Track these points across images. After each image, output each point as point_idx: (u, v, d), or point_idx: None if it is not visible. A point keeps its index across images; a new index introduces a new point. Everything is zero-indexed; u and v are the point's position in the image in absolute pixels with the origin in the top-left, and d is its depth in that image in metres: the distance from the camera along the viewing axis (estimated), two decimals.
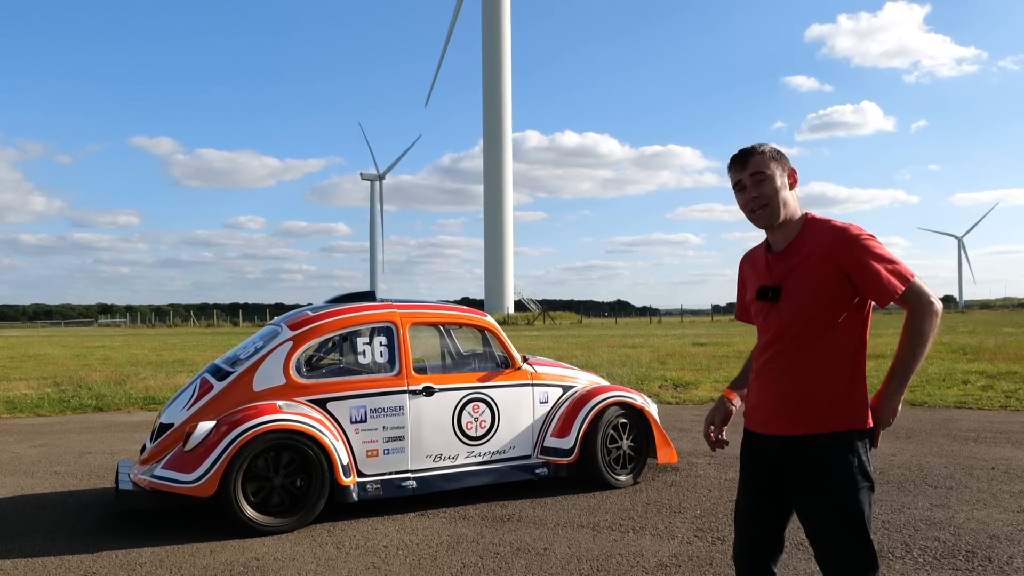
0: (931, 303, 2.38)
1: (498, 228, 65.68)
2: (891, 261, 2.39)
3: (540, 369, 6.41)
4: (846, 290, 2.42)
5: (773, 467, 2.56)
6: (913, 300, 2.39)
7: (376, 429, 5.58)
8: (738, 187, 2.53)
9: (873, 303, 2.46)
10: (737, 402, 2.76)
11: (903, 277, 2.38)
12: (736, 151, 2.54)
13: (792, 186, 2.54)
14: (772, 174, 2.48)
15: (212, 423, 5.19)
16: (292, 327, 5.68)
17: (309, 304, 6.57)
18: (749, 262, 2.72)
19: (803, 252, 2.48)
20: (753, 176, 2.49)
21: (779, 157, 2.52)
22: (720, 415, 2.74)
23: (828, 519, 2.41)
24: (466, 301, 60.12)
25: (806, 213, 2.57)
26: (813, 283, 2.43)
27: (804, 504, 2.47)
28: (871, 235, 2.42)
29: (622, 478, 6.23)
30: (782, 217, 2.50)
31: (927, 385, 12.59)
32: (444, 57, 78.68)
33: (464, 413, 5.91)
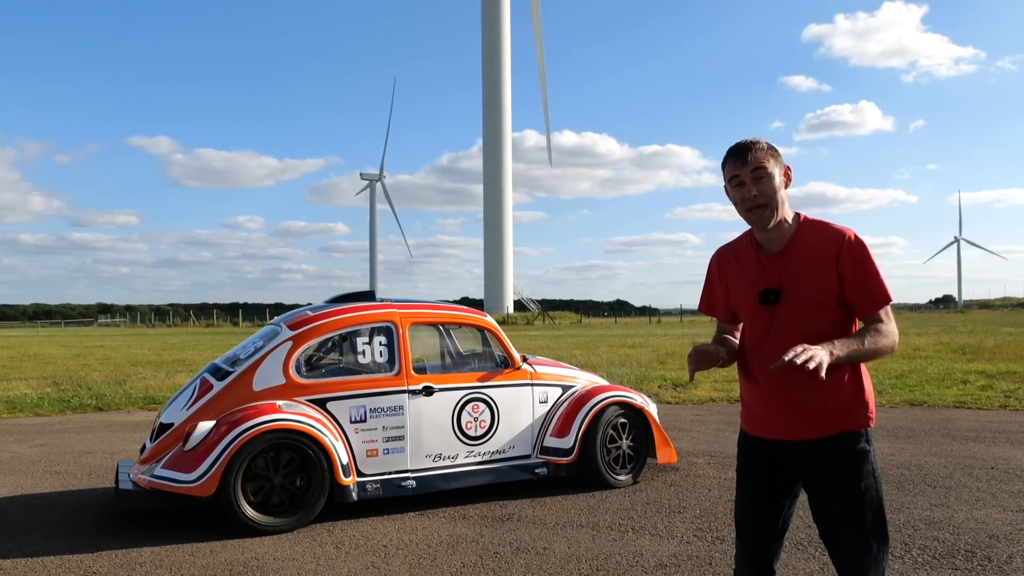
0: (895, 341, 2.43)
1: (498, 228, 65.63)
2: (881, 276, 2.44)
3: (540, 369, 6.41)
4: (843, 293, 2.44)
5: (783, 468, 2.56)
6: (886, 319, 2.43)
7: (376, 429, 5.59)
8: (734, 182, 2.46)
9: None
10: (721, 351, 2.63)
11: (887, 295, 2.43)
12: (734, 144, 2.47)
13: (787, 184, 2.50)
14: (772, 171, 2.43)
15: (212, 423, 5.19)
16: (292, 327, 5.68)
17: (309, 304, 6.57)
18: (734, 258, 2.63)
19: (803, 254, 2.45)
20: (754, 173, 2.42)
21: (776, 154, 2.47)
22: (708, 360, 2.56)
23: (858, 508, 2.45)
24: (466, 301, 60.12)
25: (798, 214, 2.53)
26: (816, 285, 2.43)
27: (832, 499, 2.48)
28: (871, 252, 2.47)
29: (622, 478, 6.23)
30: (779, 217, 2.46)
31: (926, 385, 12.60)
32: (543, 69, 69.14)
33: (464, 413, 5.91)
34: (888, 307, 2.44)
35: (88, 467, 7.34)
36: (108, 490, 6.30)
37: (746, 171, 2.43)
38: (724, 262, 2.69)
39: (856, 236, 2.43)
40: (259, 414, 5.15)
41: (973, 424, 8.98)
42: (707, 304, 2.80)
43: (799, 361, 2.19)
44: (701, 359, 2.53)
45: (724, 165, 2.49)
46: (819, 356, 2.22)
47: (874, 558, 2.44)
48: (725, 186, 2.52)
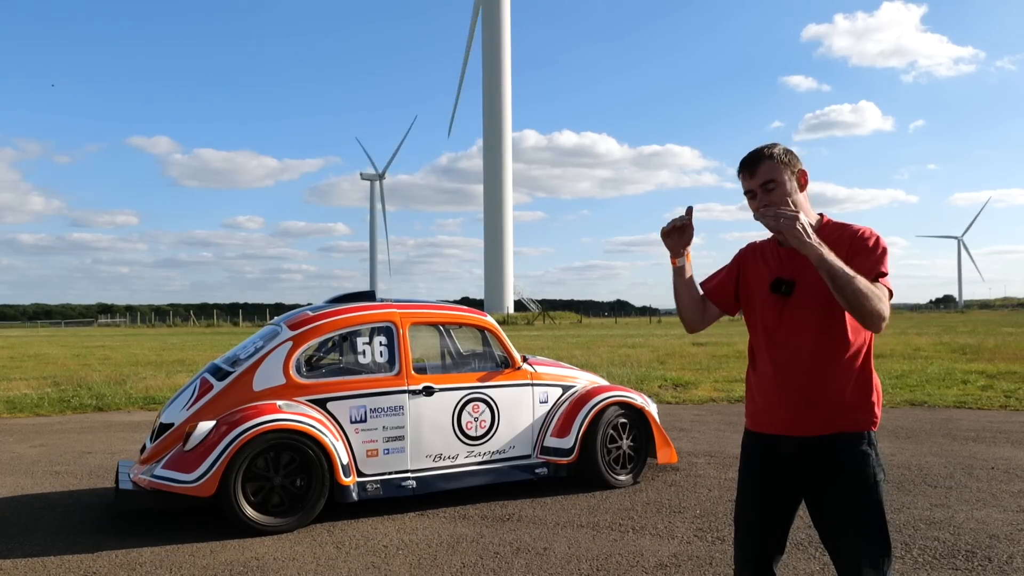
0: (886, 311, 2.35)
1: (498, 228, 65.68)
2: (885, 261, 2.42)
3: (540, 369, 6.41)
4: None
5: (785, 468, 2.55)
6: (880, 289, 2.37)
7: (376, 429, 5.58)
8: (749, 195, 2.54)
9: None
10: (685, 262, 2.69)
11: (883, 271, 2.39)
12: (746, 155, 2.54)
13: (803, 187, 2.54)
14: (782, 181, 2.48)
15: (212, 423, 5.19)
16: (292, 327, 5.68)
17: (309, 304, 6.57)
18: (757, 252, 2.69)
19: None
20: (763, 186, 2.49)
21: (788, 160, 2.52)
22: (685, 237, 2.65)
23: (854, 511, 2.43)
24: (466, 301, 60.11)
25: (821, 215, 2.58)
26: None
27: (829, 499, 2.47)
28: (886, 244, 2.46)
29: (622, 478, 6.23)
30: None
31: (927, 385, 12.60)
32: (463, 82, 74.61)
33: (464, 413, 5.91)
34: (885, 288, 2.38)
35: (88, 467, 7.34)
36: (108, 490, 6.30)
37: (755, 183, 2.51)
38: (747, 256, 2.73)
39: (872, 231, 2.47)
40: (259, 414, 5.15)
41: (973, 424, 8.98)
42: (709, 279, 2.80)
43: (780, 217, 2.32)
44: (680, 235, 2.64)
45: (738, 176, 2.57)
46: (804, 230, 2.30)
47: (873, 566, 2.42)
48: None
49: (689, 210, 2.64)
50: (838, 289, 2.30)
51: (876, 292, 2.33)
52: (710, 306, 2.74)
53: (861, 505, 2.43)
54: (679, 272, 2.68)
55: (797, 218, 2.32)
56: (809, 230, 2.32)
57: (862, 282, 2.30)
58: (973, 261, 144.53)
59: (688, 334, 32.69)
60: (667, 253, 2.70)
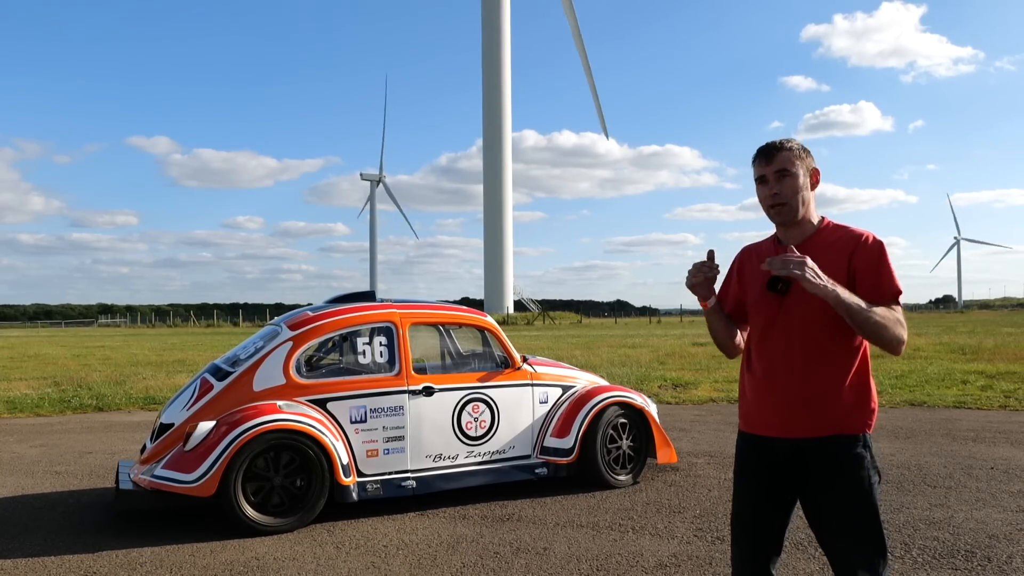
0: (905, 335, 2.40)
1: (498, 228, 65.62)
2: (894, 276, 2.45)
3: (540, 369, 6.41)
4: (854, 288, 2.44)
5: (780, 470, 2.55)
6: (898, 312, 2.42)
7: (376, 429, 5.59)
8: (760, 181, 2.54)
9: None
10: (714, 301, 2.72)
11: (897, 290, 2.44)
12: (765, 143, 2.56)
13: (814, 186, 2.56)
14: (796, 172, 2.50)
15: (212, 423, 5.20)
16: (292, 327, 5.68)
17: (309, 304, 6.58)
18: (756, 255, 2.70)
19: (819, 249, 2.50)
20: (777, 173, 2.50)
21: (804, 155, 2.54)
22: (708, 283, 2.66)
23: (849, 513, 2.44)
24: (466, 301, 60.08)
25: (823, 217, 2.59)
26: (827, 276, 2.44)
27: (824, 502, 2.47)
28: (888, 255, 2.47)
29: (622, 478, 6.23)
30: (800, 215, 2.52)
31: (926, 385, 12.60)
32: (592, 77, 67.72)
33: (464, 413, 5.91)
34: (900, 308, 2.44)
35: (88, 467, 7.34)
36: (108, 490, 6.30)
37: (770, 170, 2.51)
38: (745, 258, 2.75)
39: (875, 237, 2.48)
40: (259, 414, 5.16)
41: (973, 424, 8.98)
42: (720, 295, 2.82)
43: (791, 264, 2.30)
44: (707, 280, 2.63)
45: (753, 164, 2.57)
46: (817, 277, 2.28)
47: (869, 568, 2.42)
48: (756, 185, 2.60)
49: (710, 253, 2.65)
50: (857, 324, 2.35)
51: (892, 318, 2.36)
52: (741, 327, 2.76)
53: (856, 507, 2.43)
54: (711, 312, 2.71)
55: (805, 263, 2.31)
56: (818, 271, 2.31)
57: (879, 313, 2.34)
58: (989, 243, 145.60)
59: (685, 334, 32.76)
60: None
